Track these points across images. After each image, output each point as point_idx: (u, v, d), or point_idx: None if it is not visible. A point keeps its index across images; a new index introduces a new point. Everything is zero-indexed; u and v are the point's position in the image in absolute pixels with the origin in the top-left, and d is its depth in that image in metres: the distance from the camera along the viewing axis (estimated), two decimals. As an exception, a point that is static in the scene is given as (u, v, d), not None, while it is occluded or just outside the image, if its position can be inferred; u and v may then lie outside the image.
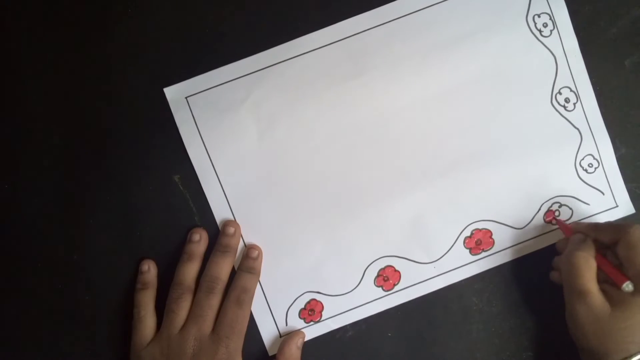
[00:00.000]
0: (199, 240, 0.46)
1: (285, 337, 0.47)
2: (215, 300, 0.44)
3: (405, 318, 0.48)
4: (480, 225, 0.47)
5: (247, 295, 0.45)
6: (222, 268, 0.45)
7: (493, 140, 0.47)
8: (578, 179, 0.48)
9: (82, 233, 0.47)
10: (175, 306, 0.44)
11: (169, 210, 0.47)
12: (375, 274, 0.47)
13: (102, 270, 0.47)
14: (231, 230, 0.46)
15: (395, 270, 0.47)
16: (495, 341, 0.48)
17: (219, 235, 0.46)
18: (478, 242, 0.47)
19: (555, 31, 0.47)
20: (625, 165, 0.48)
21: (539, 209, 0.47)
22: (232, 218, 0.47)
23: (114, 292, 0.47)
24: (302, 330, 0.47)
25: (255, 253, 0.46)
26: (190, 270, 0.45)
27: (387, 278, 0.47)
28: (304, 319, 0.47)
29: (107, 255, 0.47)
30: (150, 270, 0.46)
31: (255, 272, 0.46)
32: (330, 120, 0.47)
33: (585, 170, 0.48)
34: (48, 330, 0.47)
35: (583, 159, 0.48)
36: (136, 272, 0.47)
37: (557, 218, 0.47)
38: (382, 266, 0.47)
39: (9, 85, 0.46)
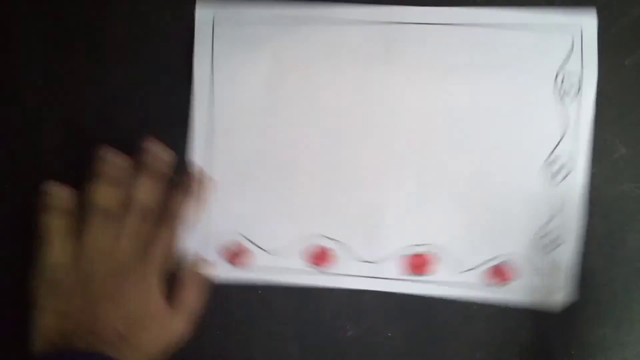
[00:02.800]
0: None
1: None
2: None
3: (405, 318, 0.48)
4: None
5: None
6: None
7: (482, 172, 0.47)
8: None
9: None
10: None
11: (168, 210, 0.47)
12: (309, 249, 0.47)
13: (102, 270, 0.47)
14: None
15: (329, 252, 0.47)
16: (496, 341, 0.48)
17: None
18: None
19: (578, 96, 0.46)
20: (625, 165, 0.48)
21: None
22: (205, 148, 0.47)
23: (114, 292, 0.47)
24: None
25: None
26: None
27: (319, 256, 0.47)
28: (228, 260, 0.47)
29: (107, 255, 0.47)
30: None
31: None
32: (341, 95, 0.47)
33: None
34: (48, 330, 0.47)
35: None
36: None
37: None
38: (318, 243, 0.47)
39: (8, 84, 0.47)
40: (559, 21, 0.46)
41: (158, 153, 0.45)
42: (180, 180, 0.46)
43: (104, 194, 0.44)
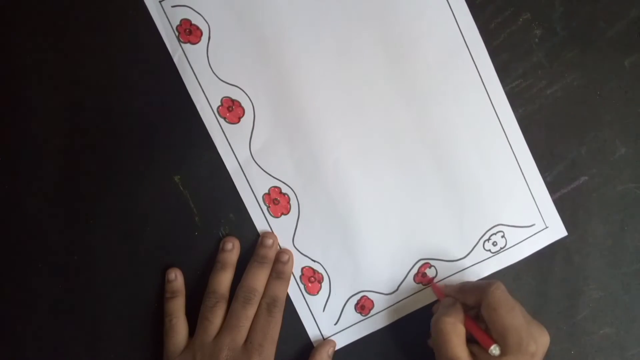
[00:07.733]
0: (232, 249, 0.46)
1: (316, 345, 0.47)
2: (251, 311, 0.45)
3: (406, 318, 0.48)
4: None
5: (277, 303, 0.45)
6: (259, 279, 0.46)
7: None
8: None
9: (82, 233, 0.47)
10: (210, 314, 0.45)
11: (169, 211, 0.47)
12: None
13: (102, 270, 0.47)
14: (269, 241, 0.46)
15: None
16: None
17: (256, 245, 0.47)
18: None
19: None
20: (625, 165, 0.48)
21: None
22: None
23: (114, 292, 0.47)
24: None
25: (285, 257, 0.46)
26: (224, 279, 0.46)
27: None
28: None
29: (107, 256, 0.47)
30: (177, 278, 0.46)
31: (284, 278, 0.46)
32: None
33: None
34: (48, 331, 0.47)
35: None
36: (136, 273, 0.47)
37: (433, 282, 0.47)
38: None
39: (9, 84, 0.46)
40: None
41: (273, 245, 0.46)
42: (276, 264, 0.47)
43: (222, 281, 0.46)
